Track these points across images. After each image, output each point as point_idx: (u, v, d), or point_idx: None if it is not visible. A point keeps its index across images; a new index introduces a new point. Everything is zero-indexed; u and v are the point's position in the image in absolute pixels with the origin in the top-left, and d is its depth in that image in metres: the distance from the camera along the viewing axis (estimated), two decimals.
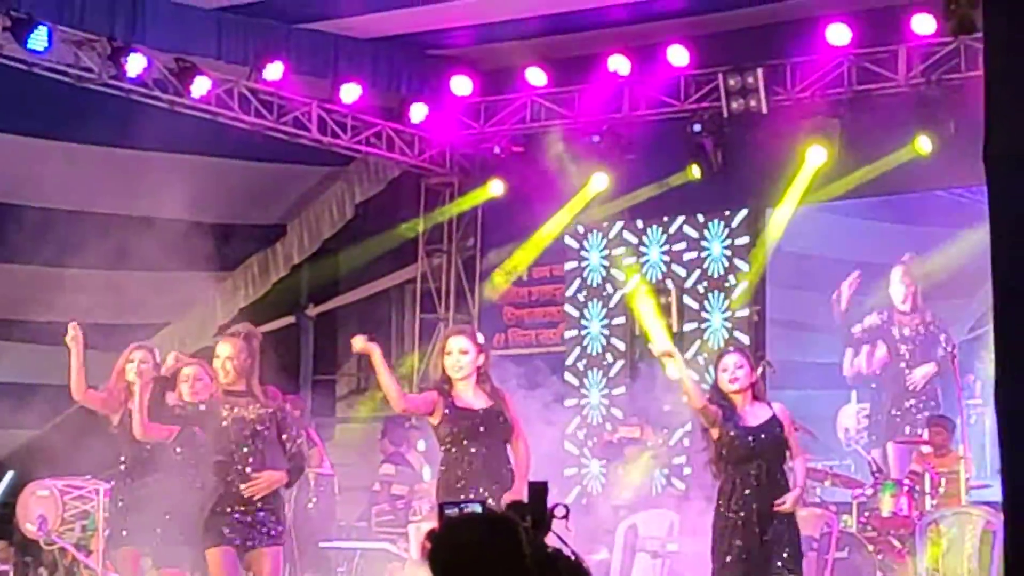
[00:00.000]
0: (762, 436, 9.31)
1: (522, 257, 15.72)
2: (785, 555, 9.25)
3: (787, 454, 9.45)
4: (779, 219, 14.62)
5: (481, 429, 8.97)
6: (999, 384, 3.11)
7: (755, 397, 9.48)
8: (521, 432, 9.19)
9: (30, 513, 11.99)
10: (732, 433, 9.36)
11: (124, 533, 10.35)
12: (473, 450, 8.88)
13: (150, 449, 10.05)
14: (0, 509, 16.13)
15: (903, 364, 14.17)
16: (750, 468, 9.32)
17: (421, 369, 16.19)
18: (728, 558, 9.27)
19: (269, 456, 9.19)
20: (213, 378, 9.42)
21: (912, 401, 14.06)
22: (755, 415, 9.40)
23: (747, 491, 9.29)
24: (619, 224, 15.47)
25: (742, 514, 9.25)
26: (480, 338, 9.54)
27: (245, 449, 9.10)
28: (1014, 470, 3.11)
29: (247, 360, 9.21)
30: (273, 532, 9.14)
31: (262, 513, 9.08)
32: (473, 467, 8.88)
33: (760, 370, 13.32)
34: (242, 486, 9.02)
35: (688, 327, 15.04)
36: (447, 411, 9.01)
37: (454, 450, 9.01)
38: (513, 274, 15.79)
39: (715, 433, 9.41)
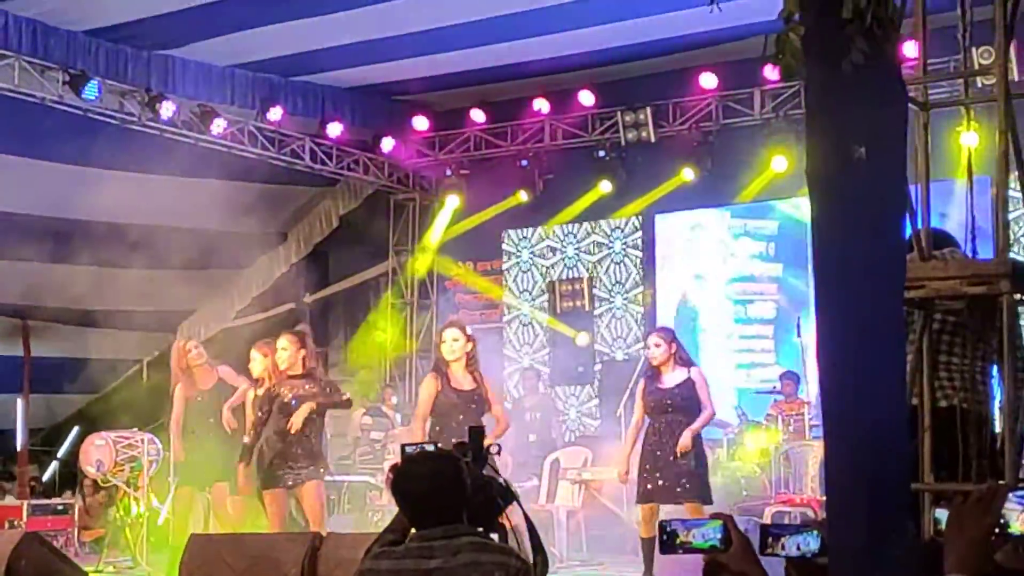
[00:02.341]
0: (673, 394, 9.37)
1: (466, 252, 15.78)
2: (686, 481, 9.28)
3: (699, 407, 9.46)
4: (664, 223, 14.71)
5: (463, 406, 8.95)
6: (819, 345, 3.14)
7: (677, 364, 9.49)
8: (496, 406, 9.21)
9: (90, 458, 11.94)
10: (651, 392, 9.45)
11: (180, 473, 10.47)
12: (452, 423, 8.80)
13: (200, 407, 10.24)
14: (69, 456, 16.09)
15: None
16: (663, 418, 9.39)
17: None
18: (648, 484, 9.33)
19: (317, 425, 9.36)
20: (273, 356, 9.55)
21: None
22: (673, 378, 9.44)
23: (661, 435, 9.36)
24: (542, 228, 15.49)
25: (658, 452, 9.31)
26: (469, 330, 9.48)
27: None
28: (831, 412, 3.14)
29: (299, 351, 9.26)
30: (312, 472, 9.20)
31: (302, 461, 9.16)
32: (450, 436, 8.87)
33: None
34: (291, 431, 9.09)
35: (598, 307, 15.08)
36: (442, 387, 9.02)
37: (439, 419, 8.99)
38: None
39: (640, 393, 9.55)
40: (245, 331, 14.74)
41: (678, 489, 9.23)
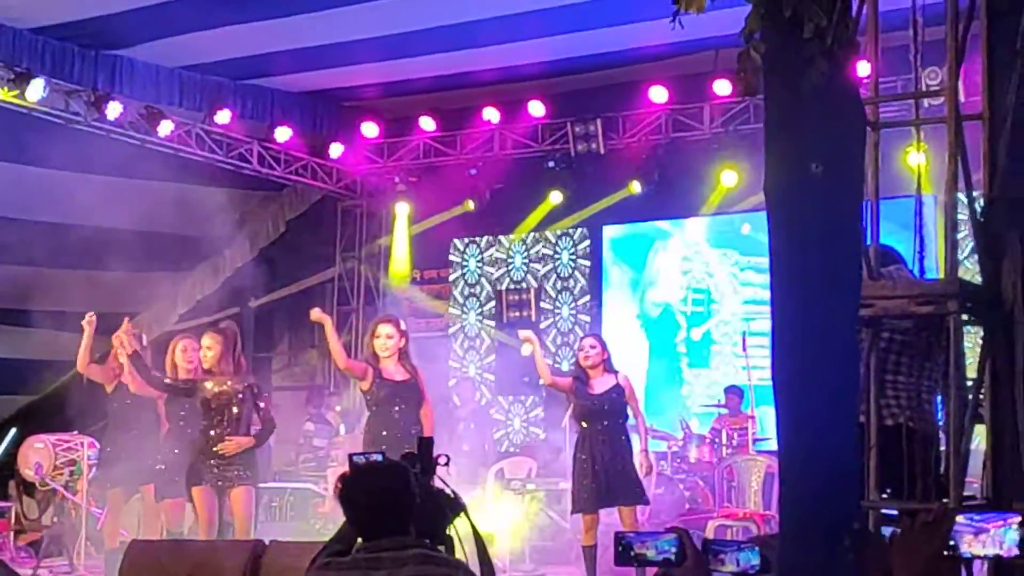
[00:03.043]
0: (606, 400, 9.41)
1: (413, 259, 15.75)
2: (623, 490, 9.34)
3: (628, 413, 9.52)
4: (611, 234, 14.76)
5: (399, 396, 8.98)
6: (774, 361, 3.15)
7: (605, 370, 9.56)
8: (428, 401, 9.21)
9: (28, 461, 11.79)
10: (583, 398, 9.48)
11: (111, 476, 10.32)
12: (393, 412, 8.88)
13: (131, 407, 10.01)
14: (5, 459, 15.85)
15: None
16: (597, 424, 9.42)
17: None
18: (584, 493, 9.37)
19: (244, 421, 9.19)
20: (196, 352, 9.50)
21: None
22: (603, 384, 9.49)
23: (596, 442, 9.39)
24: (489, 237, 15.49)
25: (593, 459, 9.34)
26: (403, 325, 9.49)
27: (224, 416, 9.08)
28: (784, 428, 3.15)
29: (224, 348, 9.20)
30: (244, 476, 9.10)
31: (236, 464, 9.07)
32: (391, 426, 8.87)
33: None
34: (219, 446, 8.99)
35: (544, 318, 15.09)
36: (375, 380, 9.03)
37: (377, 411, 9.01)
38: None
39: (572, 399, 9.56)
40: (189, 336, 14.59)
41: (615, 496, 9.30)
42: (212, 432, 9.07)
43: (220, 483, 9.07)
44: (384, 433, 8.86)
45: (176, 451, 9.56)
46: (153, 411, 10.16)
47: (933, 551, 2.66)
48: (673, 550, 2.99)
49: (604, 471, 9.31)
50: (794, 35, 2.81)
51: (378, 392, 9.04)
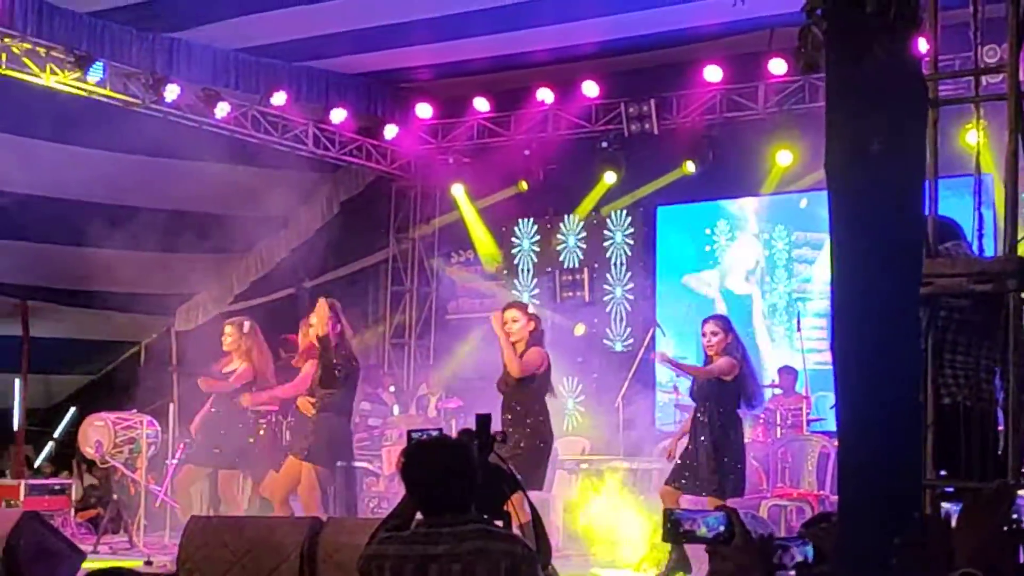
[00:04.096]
0: (706, 384, 9.42)
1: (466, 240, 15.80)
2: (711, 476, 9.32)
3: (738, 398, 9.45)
4: (666, 215, 14.74)
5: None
6: (834, 340, 3.15)
7: (724, 353, 9.50)
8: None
9: (89, 439, 11.94)
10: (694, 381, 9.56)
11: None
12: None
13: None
14: (65, 437, 16.10)
15: None
16: (698, 409, 9.45)
17: (390, 330, 16.23)
18: (684, 471, 9.40)
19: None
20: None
21: None
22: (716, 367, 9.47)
23: (698, 424, 9.41)
24: (542, 217, 15.49)
25: (695, 441, 9.36)
26: (531, 308, 9.54)
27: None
28: (844, 408, 3.15)
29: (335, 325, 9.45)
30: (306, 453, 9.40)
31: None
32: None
33: (651, 332, 13.47)
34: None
35: (597, 295, 15.08)
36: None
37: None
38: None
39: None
40: (245, 315, 14.74)
41: (701, 483, 9.28)
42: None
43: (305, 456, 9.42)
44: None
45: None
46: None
47: (994, 528, 2.66)
48: (721, 528, 3.03)
49: (700, 457, 9.32)
50: (856, 11, 2.80)
51: (544, 383, 9.14)
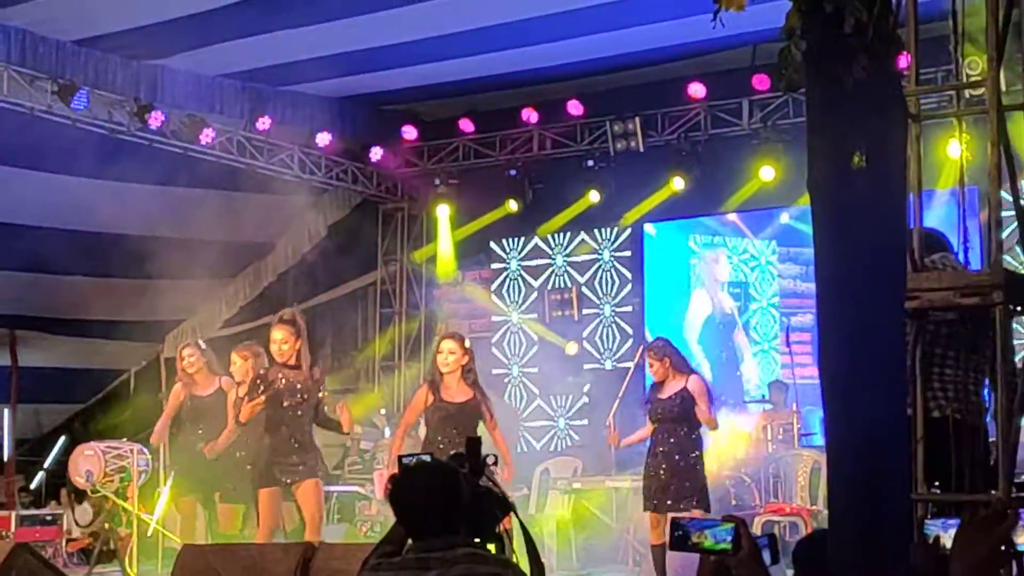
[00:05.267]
0: (671, 404, 9.41)
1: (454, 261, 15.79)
2: (688, 490, 9.31)
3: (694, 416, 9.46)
4: (652, 232, 14.76)
5: (454, 419, 8.94)
6: (820, 356, 3.15)
7: (676, 374, 9.52)
8: (493, 421, 9.16)
9: (79, 468, 11.86)
10: (652, 402, 9.54)
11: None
12: (454, 431, 8.78)
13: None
14: (55, 467, 16.03)
15: None
16: (664, 427, 9.44)
17: (379, 353, 16.20)
18: (655, 492, 9.39)
19: (309, 416, 9.16)
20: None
21: None
22: (671, 388, 9.48)
23: (661, 444, 9.40)
24: (530, 237, 15.51)
25: (659, 461, 9.36)
26: (467, 343, 9.44)
27: (297, 411, 9.06)
28: (832, 423, 3.15)
29: (296, 341, 9.18)
30: (313, 470, 9.08)
31: (304, 460, 9.05)
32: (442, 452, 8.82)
33: (640, 350, 13.46)
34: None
35: (586, 312, 15.09)
36: (432, 401, 9.05)
37: (429, 434, 9.04)
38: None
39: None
40: (233, 341, 14.71)
41: (679, 498, 9.26)
42: (283, 427, 9.04)
43: (288, 481, 9.01)
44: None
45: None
46: (212, 420, 10.30)
47: (992, 546, 2.64)
48: (729, 539, 3.04)
49: (669, 473, 9.32)
50: (835, 30, 2.81)
51: (434, 414, 9.03)
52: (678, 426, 9.38)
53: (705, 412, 9.47)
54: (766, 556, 3.09)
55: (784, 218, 13.81)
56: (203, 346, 10.76)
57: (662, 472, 9.35)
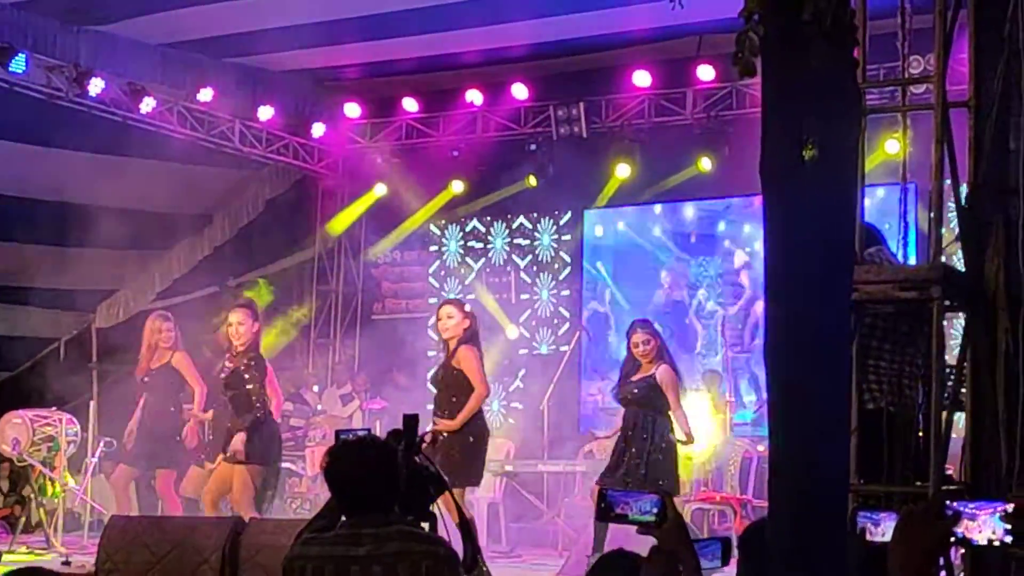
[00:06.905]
0: (638, 386, 9.40)
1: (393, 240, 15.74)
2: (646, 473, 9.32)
3: (661, 403, 9.43)
4: (592, 218, 14.78)
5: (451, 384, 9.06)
6: (767, 347, 3.14)
7: (656, 359, 9.49)
8: (481, 385, 9.09)
9: (6, 436, 11.70)
10: (621, 382, 9.54)
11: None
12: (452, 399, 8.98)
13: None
14: None
15: None
16: (630, 410, 9.44)
17: (314, 330, 16.11)
18: (615, 468, 9.38)
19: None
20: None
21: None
22: (643, 372, 9.46)
23: (627, 426, 9.39)
24: (470, 219, 15.47)
25: (624, 443, 9.36)
26: (467, 307, 9.43)
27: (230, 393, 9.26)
28: (774, 412, 3.16)
29: (254, 325, 9.29)
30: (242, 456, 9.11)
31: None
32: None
33: (577, 335, 13.52)
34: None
35: (523, 298, 15.09)
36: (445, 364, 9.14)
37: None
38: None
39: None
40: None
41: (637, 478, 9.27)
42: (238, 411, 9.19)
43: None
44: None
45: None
46: (161, 395, 10.28)
47: (933, 538, 2.64)
48: (654, 511, 3.08)
49: (631, 455, 9.34)
50: (793, 17, 2.81)
51: (438, 380, 9.12)
52: (645, 411, 9.37)
53: (675, 406, 9.42)
54: (716, 559, 3.11)
55: (723, 208, 13.89)
56: (171, 317, 10.70)
57: (628, 455, 9.33)
